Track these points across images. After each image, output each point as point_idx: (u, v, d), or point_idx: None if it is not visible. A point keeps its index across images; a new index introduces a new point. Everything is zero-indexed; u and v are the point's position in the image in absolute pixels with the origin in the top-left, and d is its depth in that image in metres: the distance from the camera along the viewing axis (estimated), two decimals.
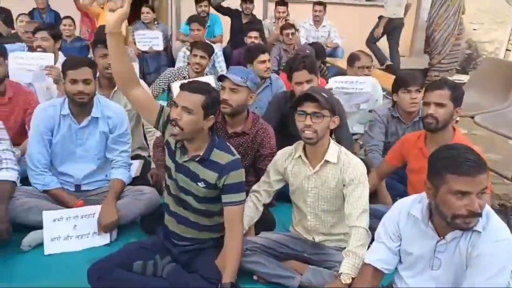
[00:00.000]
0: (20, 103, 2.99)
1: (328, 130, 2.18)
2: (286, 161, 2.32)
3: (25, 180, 2.71)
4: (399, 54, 7.07)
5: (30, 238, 2.47)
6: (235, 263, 2.09)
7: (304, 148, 2.26)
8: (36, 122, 2.65)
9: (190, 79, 3.54)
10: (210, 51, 4.08)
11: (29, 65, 3.45)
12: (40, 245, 2.47)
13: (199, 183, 2.13)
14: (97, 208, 2.58)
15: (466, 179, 1.51)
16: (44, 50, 3.82)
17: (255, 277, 2.26)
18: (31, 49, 4.16)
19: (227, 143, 2.23)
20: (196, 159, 2.11)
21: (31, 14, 6.12)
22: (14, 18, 5.88)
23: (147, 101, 2.19)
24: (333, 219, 2.29)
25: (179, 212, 2.23)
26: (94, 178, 2.78)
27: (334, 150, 2.20)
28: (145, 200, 2.66)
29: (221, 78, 2.60)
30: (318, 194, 2.24)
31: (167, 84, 4.05)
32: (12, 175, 2.48)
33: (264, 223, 2.55)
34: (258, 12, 6.73)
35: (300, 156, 2.26)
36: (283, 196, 2.73)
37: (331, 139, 2.24)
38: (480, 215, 1.56)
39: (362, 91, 3.54)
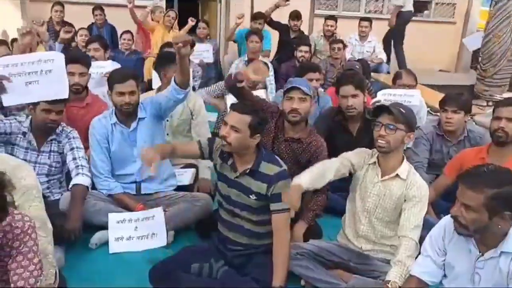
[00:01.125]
0: (94, 110, 3.25)
1: (402, 145, 2.33)
2: (362, 160, 2.45)
3: None
4: (403, 52, 6.97)
5: (97, 237, 2.72)
6: (284, 267, 2.22)
7: (377, 156, 2.40)
8: (93, 132, 2.92)
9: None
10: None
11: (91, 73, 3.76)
12: (105, 244, 2.70)
13: (250, 196, 2.29)
14: (156, 211, 2.80)
15: None
16: (96, 60, 4.17)
17: (302, 282, 2.38)
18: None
19: (276, 156, 2.38)
20: (246, 172, 2.28)
21: (89, 28, 6.53)
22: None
23: (186, 151, 2.52)
24: (385, 229, 2.39)
25: (232, 221, 2.39)
26: (152, 182, 2.98)
27: (406, 168, 2.35)
28: (200, 206, 2.85)
29: (289, 89, 2.74)
30: (378, 202, 2.37)
31: (222, 92, 4.31)
32: (86, 180, 2.73)
33: (312, 232, 2.67)
34: (304, 26, 6.88)
35: (374, 162, 2.40)
36: (330, 209, 2.86)
37: (404, 157, 2.37)
38: None
39: (411, 104, 3.56)
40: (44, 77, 2.69)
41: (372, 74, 6.01)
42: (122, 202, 2.88)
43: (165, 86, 3.39)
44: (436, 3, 8.72)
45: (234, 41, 6.51)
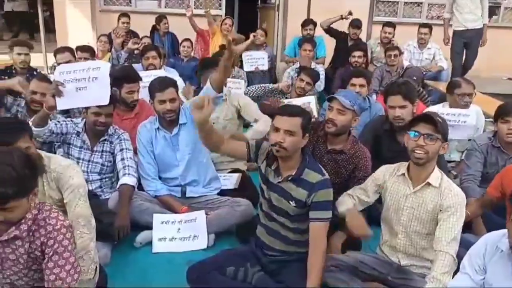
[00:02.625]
0: (143, 118, 3.42)
1: (437, 155, 2.25)
2: (388, 176, 2.40)
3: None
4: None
5: (142, 237, 2.84)
6: (317, 276, 2.20)
7: (408, 167, 2.33)
8: (139, 137, 3.08)
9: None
10: (316, 79, 4.30)
11: (144, 82, 3.94)
12: (149, 243, 2.81)
13: (291, 202, 2.29)
14: (198, 214, 2.88)
15: None
16: (155, 67, 4.36)
17: None
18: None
19: (319, 164, 2.37)
20: (289, 179, 2.29)
21: (152, 36, 6.83)
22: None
23: (234, 150, 2.51)
24: (424, 242, 2.30)
25: (270, 225, 2.41)
26: (196, 186, 3.09)
27: (437, 175, 2.26)
28: (241, 211, 2.90)
29: (330, 99, 2.75)
30: (413, 215, 2.29)
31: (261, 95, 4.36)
32: (133, 181, 2.89)
33: (350, 243, 2.61)
34: (363, 32, 6.78)
35: (403, 174, 2.33)
36: (370, 218, 2.79)
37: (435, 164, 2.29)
38: None
39: (466, 124, 3.37)
40: (91, 83, 2.87)
41: (431, 82, 5.80)
42: (167, 204, 2.99)
43: None
44: (505, 8, 8.25)
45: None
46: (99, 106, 2.88)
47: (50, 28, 8.01)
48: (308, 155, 2.36)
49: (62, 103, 2.90)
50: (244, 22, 7.00)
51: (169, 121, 3.01)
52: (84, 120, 3.03)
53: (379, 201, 2.54)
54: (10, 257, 1.72)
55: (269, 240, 2.42)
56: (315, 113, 4.11)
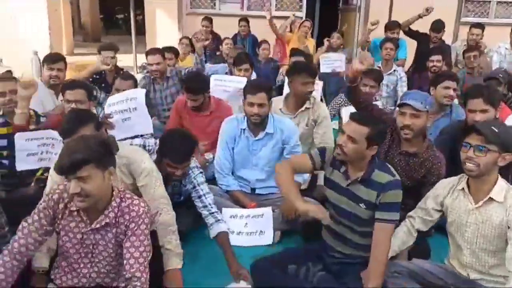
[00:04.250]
0: (218, 115, 3.57)
1: (496, 167, 2.11)
2: (448, 192, 2.30)
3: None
4: None
5: None
6: (378, 278, 2.17)
7: (467, 181, 2.22)
8: (223, 131, 3.19)
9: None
10: (379, 80, 4.21)
11: (226, 86, 4.11)
12: None
13: (360, 204, 2.28)
14: (265, 210, 2.96)
15: None
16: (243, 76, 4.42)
17: None
18: (231, 71, 4.86)
19: (389, 165, 2.33)
20: (358, 180, 2.28)
21: (234, 38, 7.06)
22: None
23: (299, 168, 2.49)
24: (493, 259, 2.18)
25: (337, 229, 2.41)
26: (266, 184, 3.19)
27: (501, 188, 2.12)
28: None
29: (401, 104, 2.70)
30: (478, 231, 2.17)
31: (337, 108, 4.32)
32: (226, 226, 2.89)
33: (418, 251, 2.54)
34: (447, 34, 6.48)
35: (463, 189, 2.23)
36: (442, 227, 2.69)
37: (499, 176, 2.16)
38: None
39: None
40: (133, 113, 3.02)
41: None
42: (237, 199, 3.11)
43: (292, 94, 3.58)
44: None
45: (368, 50, 6.43)
46: (176, 162, 2.63)
47: (141, 31, 8.58)
48: (377, 157, 2.33)
49: (117, 134, 2.97)
50: (325, 24, 6.99)
51: (255, 125, 3.10)
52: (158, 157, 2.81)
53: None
54: (100, 243, 1.93)
55: (334, 242, 2.43)
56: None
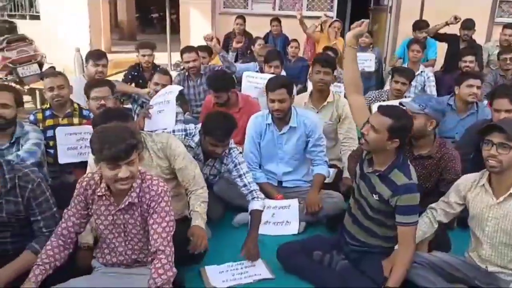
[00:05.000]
0: (247, 111, 3.74)
1: None
2: (469, 187, 2.36)
3: None
4: None
5: (239, 218, 3.14)
6: (401, 272, 2.26)
7: (489, 177, 2.28)
8: (249, 127, 3.35)
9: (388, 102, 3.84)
10: (410, 78, 4.26)
11: (257, 83, 4.27)
12: (245, 224, 3.04)
13: (374, 195, 2.37)
14: (291, 202, 3.10)
15: None
16: (273, 73, 4.57)
17: None
18: (261, 69, 5.01)
19: (410, 167, 2.37)
20: (377, 174, 2.37)
21: (266, 37, 7.19)
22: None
23: (360, 108, 2.63)
24: None
25: (357, 214, 2.51)
26: (292, 177, 3.33)
27: None
28: (332, 203, 3.06)
29: (400, 104, 2.75)
30: (498, 226, 2.23)
31: (367, 105, 4.39)
32: (262, 204, 3.05)
33: (439, 243, 2.61)
34: (480, 35, 6.42)
35: (483, 185, 2.29)
36: (463, 220, 2.76)
37: None
38: None
39: None
40: (165, 106, 3.22)
41: None
42: (264, 190, 3.22)
43: (313, 88, 3.75)
44: None
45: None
46: (218, 140, 2.87)
47: (175, 30, 8.83)
48: (402, 157, 2.37)
49: (148, 125, 3.24)
50: None
51: (279, 120, 3.24)
52: (200, 137, 3.05)
53: None
54: (130, 221, 2.10)
55: (353, 229, 2.52)
56: None
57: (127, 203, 2.04)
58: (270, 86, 3.17)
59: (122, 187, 1.98)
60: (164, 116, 3.27)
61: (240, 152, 3.11)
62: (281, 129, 3.26)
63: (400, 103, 2.76)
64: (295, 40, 6.46)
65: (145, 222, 2.09)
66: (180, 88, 3.49)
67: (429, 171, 2.80)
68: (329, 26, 6.79)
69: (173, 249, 2.04)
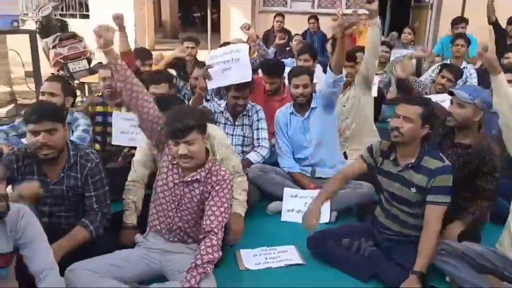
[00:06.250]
0: (288, 102, 3.81)
1: None
2: None
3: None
4: None
5: (273, 206, 3.25)
6: (427, 256, 2.31)
7: None
8: (277, 120, 3.51)
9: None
10: (458, 76, 4.25)
11: None
12: (279, 212, 3.21)
13: (411, 189, 2.44)
14: None
15: None
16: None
17: (447, 279, 2.41)
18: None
19: (440, 153, 2.47)
20: (409, 166, 2.44)
21: (304, 34, 7.28)
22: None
23: (355, 174, 2.76)
24: None
25: (389, 209, 2.58)
26: (325, 167, 3.42)
27: None
28: (362, 192, 3.13)
29: (451, 93, 2.79)
30: None
31: None
32: (256, 159, 3.43)
33: (469, 235, 2.61)
34: None
35: None
36: (494, 215, 2.78)
37: None
38: None
39: None
40: (234, 64, 3.36)
41: None
42: (297, 180, 3.37)
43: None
44: None
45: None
46: (238, 90, 3.37)
47: (216, 28, 9.04)
48: (428, 144, 2.46)
49: (211, 83, 3.44)
50: (396, 21, 7.00)
51: (301, 105, 3.40)
52: (225, 100, 3.55)
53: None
54: (187, 195, 2.27)
55: (387, 222, 2.59)
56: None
57: (194, 178, 2.23)
58: (295, 73, 3.38)
59: (183, 165, 2.17)
60: (232, 72, 3.38)
61: (261, 109, 3.56)
62: (304, 114, 3.41)
63: (450, 91, 2.80)
64: (334, 37, 6.50)
65: (202, 202, 2.25)
66: (247, 46, 3.65)
67: (464, 161, 2.79)
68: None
69: (223, 234, 2.20)
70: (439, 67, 4.48)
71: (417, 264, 2.31)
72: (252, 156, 3.44)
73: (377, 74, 5.25)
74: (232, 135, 3.53)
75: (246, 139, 3.55)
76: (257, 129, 3.52)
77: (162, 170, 2.31)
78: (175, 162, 2.26)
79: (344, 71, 3.73)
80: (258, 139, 3.51)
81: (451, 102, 2.76)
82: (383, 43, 5.72)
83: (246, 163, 3.34)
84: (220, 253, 2.14)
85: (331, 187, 2.73)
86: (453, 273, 2.35)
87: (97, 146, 3.51)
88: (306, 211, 2.67)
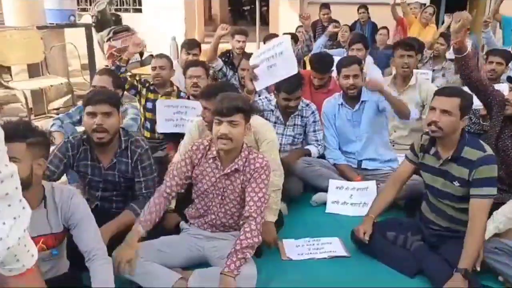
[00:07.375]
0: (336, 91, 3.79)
1: None
2: None
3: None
4: None
5: (317, 197, 3.23)
6: (472, 252, 2.19)
7: None
8: (324, 110, 3.46)
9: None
10: (508, 57, 4.05)
11: None
12: (323, 204, 3.18)
13: (454, 182, 2.34)
14: (369, 184, 3.13)
15: None
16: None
17: (500, 278, 2.30)
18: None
19: (481, 141, 2.35)
20: (449, 159, 2.34)
21: (353, 25, 7.13)
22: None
23: (400, 176, 2.69)
24: None
25: (436, 204, 2.49)
26: (371, 159, 3.35)
27: None
28: (410, 186, 3.00)
29: (509, 79, 2.75)
30: None
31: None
32: (315, 151, 3.39)
33: None
34: None
35: None
36: None
37: None
38: None
39: None
40: (279, 58, 3.20)
41: None
42: (343, 172, 3.32)
43: (396, 72, 3.78)
44: None
45: (500, 28, 6.04)
46: (289, 93, 3.21)
47: (265, 21, 9.06)
48: (467, 133, 2.36)
49: (259, 84, 3.33)
50: (452, 10, 6.69)
51: (351, 97, 3.31)
52: (276, 98, 3.38)
53: None
54: (229, 187, 2.30)
55: (434, 217, 2.51)
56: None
57: (233, 168, 2.25)
58: (344, 63, 3.28)
59: (222, 146, 2.18)
60: (278, 68, 3.22)
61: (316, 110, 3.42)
62: (354, 107, 3.32)
63: (509, 77, 2.68)
64: (385, 27, 6.36)
65: (243, 191, 2.27)
66: (289, 37, 3.54)
67: None
68: (421, 12, 6.56)
69: (263, 220, 2.22)
70: (485, 56, 4.27)
71: (461, 261, 2.19)
72: (313, 149, 3.37)
73: (433, 70, 5.09)
74: (282, 135, 3.41)
75: (296, 139, 3.44)
76: (314, 131, 3.41)
77: (202, 168, 2.32)
78: (215, 155, 2.27)
79: (402, 60, 3.68)
80: (317, 140, 3.42)
81: (510, 89, 2.63)
82: (440, 35, 5.51)
83: (304, 153, 3.33)
84: (260, 238, 2.15)
85: (383, 202, 2.65)
86: (507, 272, 2.27)
87: (147, 134, 3.61)
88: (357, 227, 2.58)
